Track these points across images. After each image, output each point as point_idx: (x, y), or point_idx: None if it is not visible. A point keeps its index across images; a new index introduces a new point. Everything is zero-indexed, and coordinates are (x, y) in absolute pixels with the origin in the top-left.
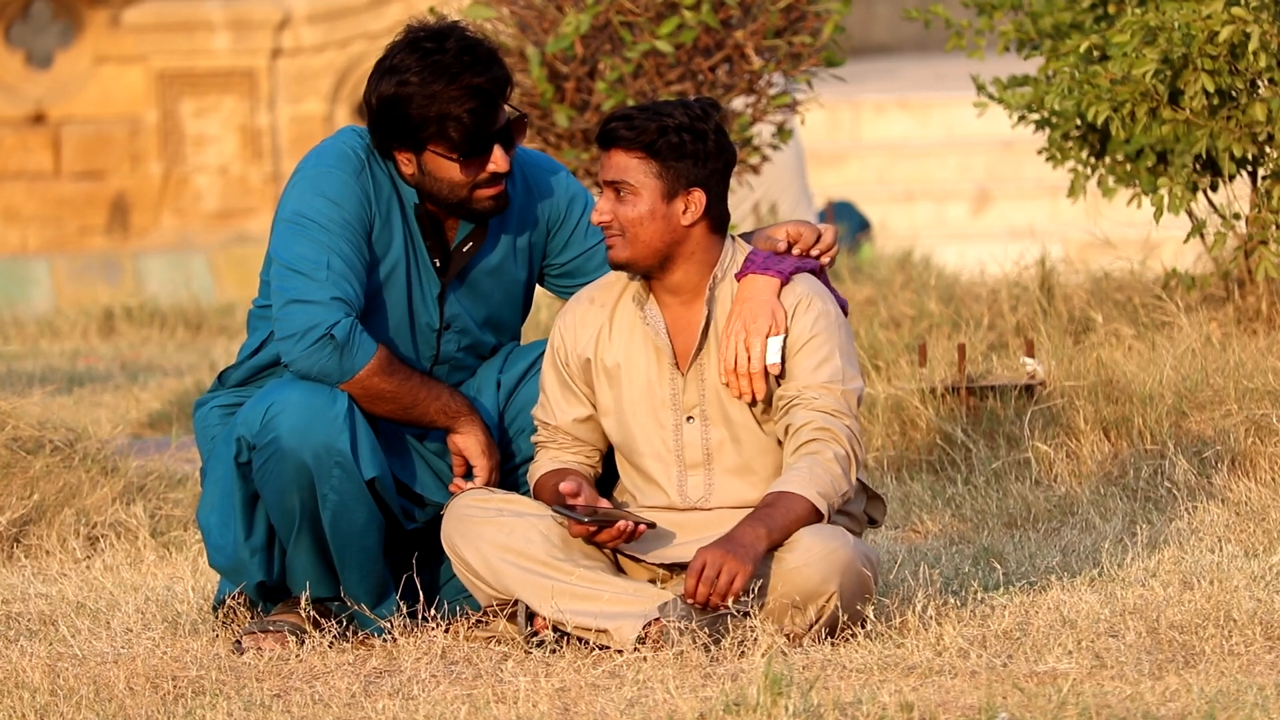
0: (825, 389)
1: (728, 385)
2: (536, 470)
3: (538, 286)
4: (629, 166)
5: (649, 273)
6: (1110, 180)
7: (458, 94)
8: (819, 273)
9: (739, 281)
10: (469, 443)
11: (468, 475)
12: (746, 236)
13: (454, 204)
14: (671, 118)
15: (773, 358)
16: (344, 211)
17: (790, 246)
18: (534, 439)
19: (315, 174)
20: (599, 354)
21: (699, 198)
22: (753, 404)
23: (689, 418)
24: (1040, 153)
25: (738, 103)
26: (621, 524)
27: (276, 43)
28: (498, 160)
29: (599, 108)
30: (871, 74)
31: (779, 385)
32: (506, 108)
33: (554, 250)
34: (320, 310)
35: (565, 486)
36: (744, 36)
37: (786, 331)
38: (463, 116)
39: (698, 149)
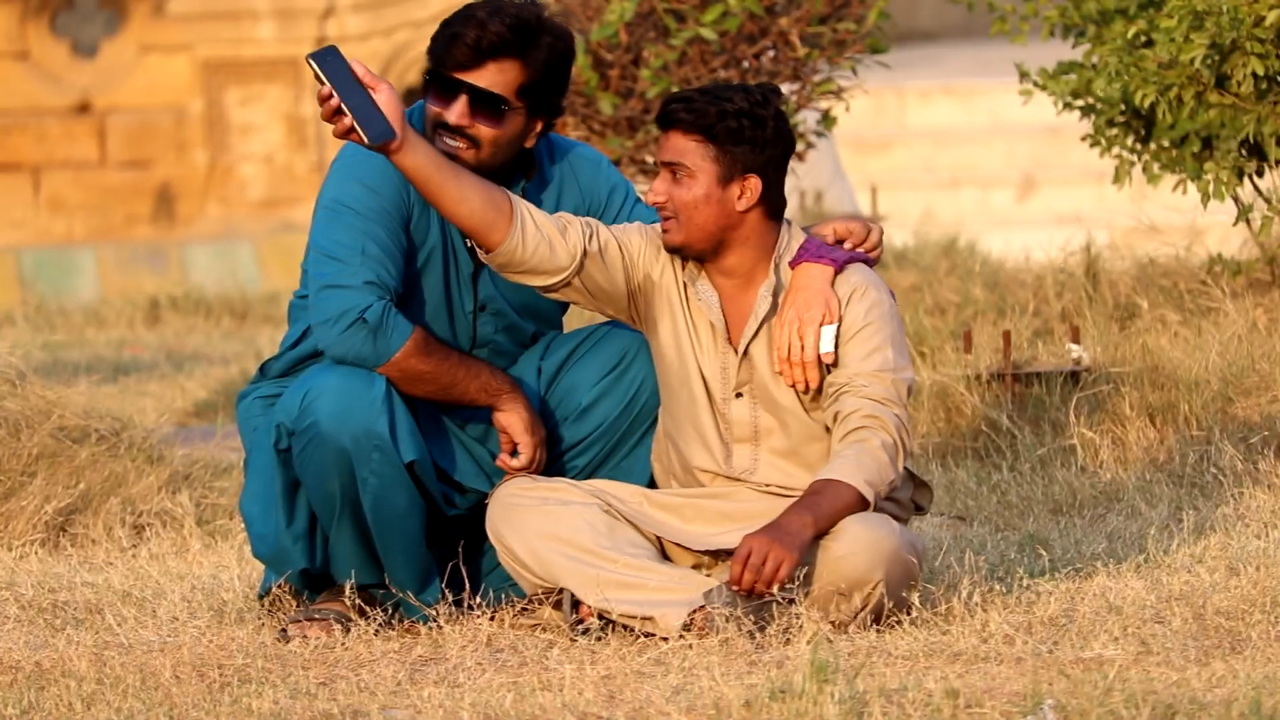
0: (875, 377)
1: (781, 373)
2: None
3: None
4: (686, 149)
5: (703, 256)
6: (1155, 166)
7: (454, 19)
8: (868, 265)
9: (793, 270)
10: (512, 420)
11: (513, 454)
12: None
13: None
14: (731, 102)
15: (826, 346)
16: (381, 199)
17: (840, 243)
18: None
19: (354, 162)
20: (660, 282)
21: (755, 184)
22: (805, 391)
23: (738, 393)
24: (1085, 139)
25: (782, 89)
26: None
27: (321, 31)
28: (454, 109)
29: (643, 95)
30: (916, 60)
31: (830, 374)
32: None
33: None
34: (354, 294)
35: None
36: (788, 23)
37: (840, 320)
38: (440, 38)
39: (756, 134)
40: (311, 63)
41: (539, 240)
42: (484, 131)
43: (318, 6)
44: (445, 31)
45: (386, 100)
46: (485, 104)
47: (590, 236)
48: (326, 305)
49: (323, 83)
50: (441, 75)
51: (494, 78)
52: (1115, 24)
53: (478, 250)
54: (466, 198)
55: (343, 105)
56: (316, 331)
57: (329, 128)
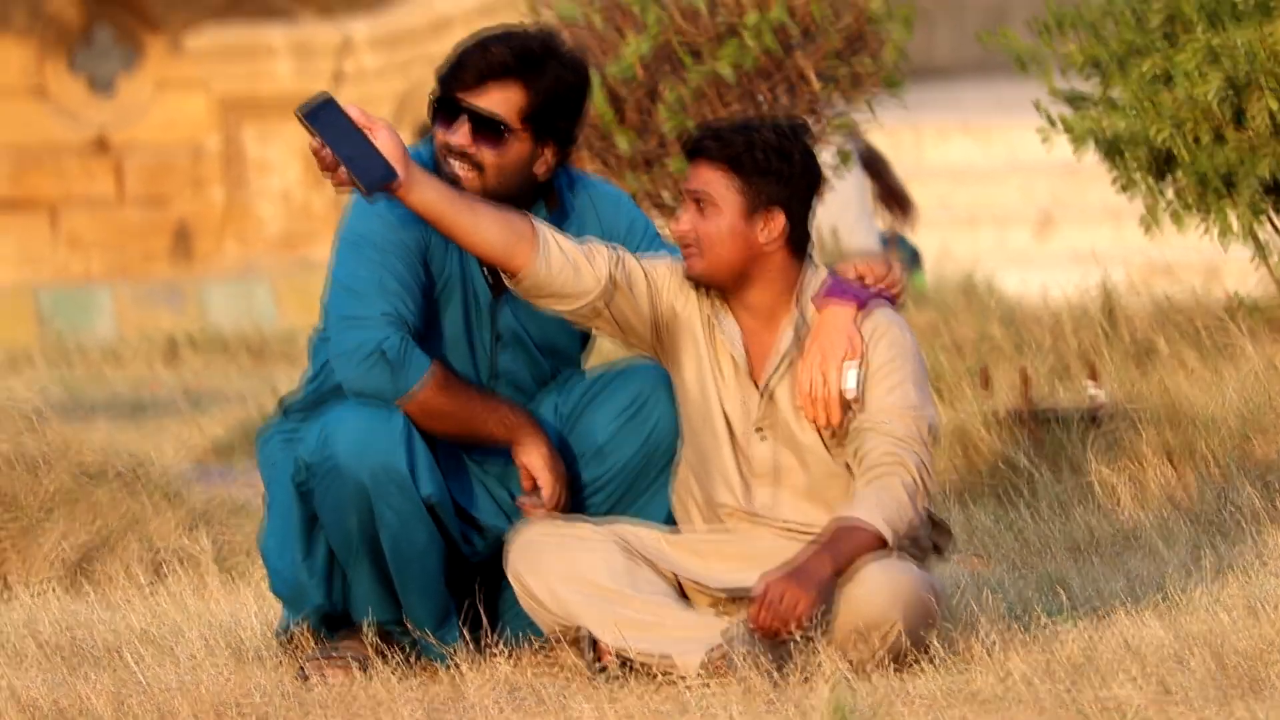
0: (898, 418)
1: (803, 411)
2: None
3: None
4: (712, 179)
5: (724, 288)
6: (1179, 208)
7: (464, 44)
8: (892, 304)
9: (816, 309)
10: (533, 457)
11: (534, 492)
12: None
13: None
14: (759, 134)
15: (849, 385)
16: (400, 234)
17: (862, 281)
18: None
19: None
20: (685, 316)
21: (779, 219)
22: (827, 430)
23: (758, 430)
24: (1114, 184)
25: (810, 125)
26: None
27: (338, 67)
28: (456, 132)
29: (660, 132)
30: (933, 98)
31: (854, 412)
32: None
33: None
34: (372, 328)
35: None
36: (804, 60)
37: (863, 358)
38: (449, 60)
39: (782, 168)
40: (301, 117)
41: (563, 264)
42: (487, 155)
43: (334, 43)
44: (452, 56)
45: (385, 141)
46: (487, 127)
47: (617, 264)
48: (345, 339)
49: (314, 135)
50: (445, 98)
51: (495, 101)
52: (1135, 62)
53: (503, 277)
54: (483, 227)
55: (336, 156)
56: (335, 365)
57: None
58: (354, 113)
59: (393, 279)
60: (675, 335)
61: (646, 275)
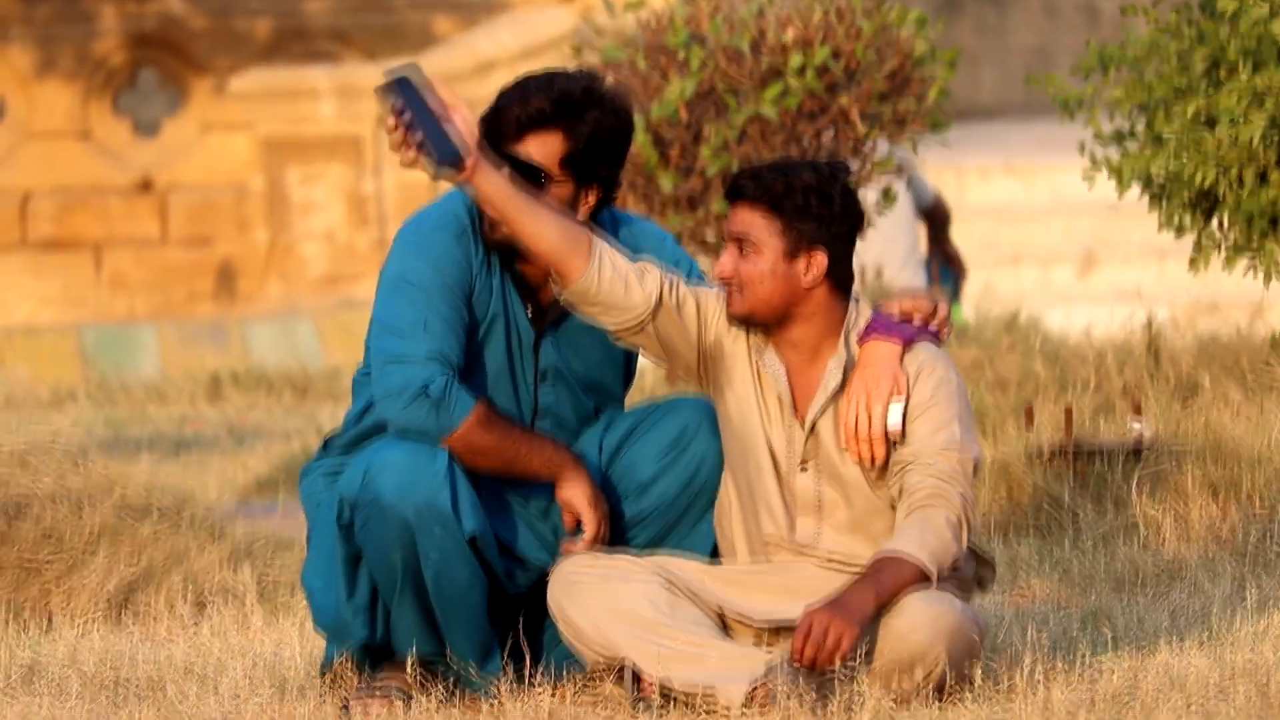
0: (942, 454)
1: (847, 448)
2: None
3: (640, 354)
4: (753, 222)
5: (767, 328)
6: (1227, 249)
7: (500, 95)
8: (936, 342)
9: (860, 346)
10: (575, 495)
11: (577, 530)
12: None
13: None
14: (799, 177)
15: (894, 422)
16: (443, 274)
17: (907, 319)
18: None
19: (416, 237)
20: (724, 350)
21: (821, 259)
22: (871, 467)
23: (802, 464)
24: (1163, 228)
25: (851, 165)
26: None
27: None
28: None
29: (703, 173)
30: (976, 138)
31: (897, 450)
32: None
33: None
34: (417, 368)
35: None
36: (848, 101)
37: (908, 396)
38: (488, 111)
39: (823, 210)
40: (382, 86)
41: (614, 278)
42: None
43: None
44: (493, 103)
45: (460, 124)
46: (525, 175)
47: (670, 287)
48: (389, 379)
49: (391, 105)
50: (485, 146)
51: (535, 149)
52: (1178, 104)
53: (551, 282)
54: (542, 227)
55: (414, 123)
56: (379, 405)
57: (390, 205)
58: (431, 95)
59: (436, 318)
60: (721, 366)
61: (698, 303)
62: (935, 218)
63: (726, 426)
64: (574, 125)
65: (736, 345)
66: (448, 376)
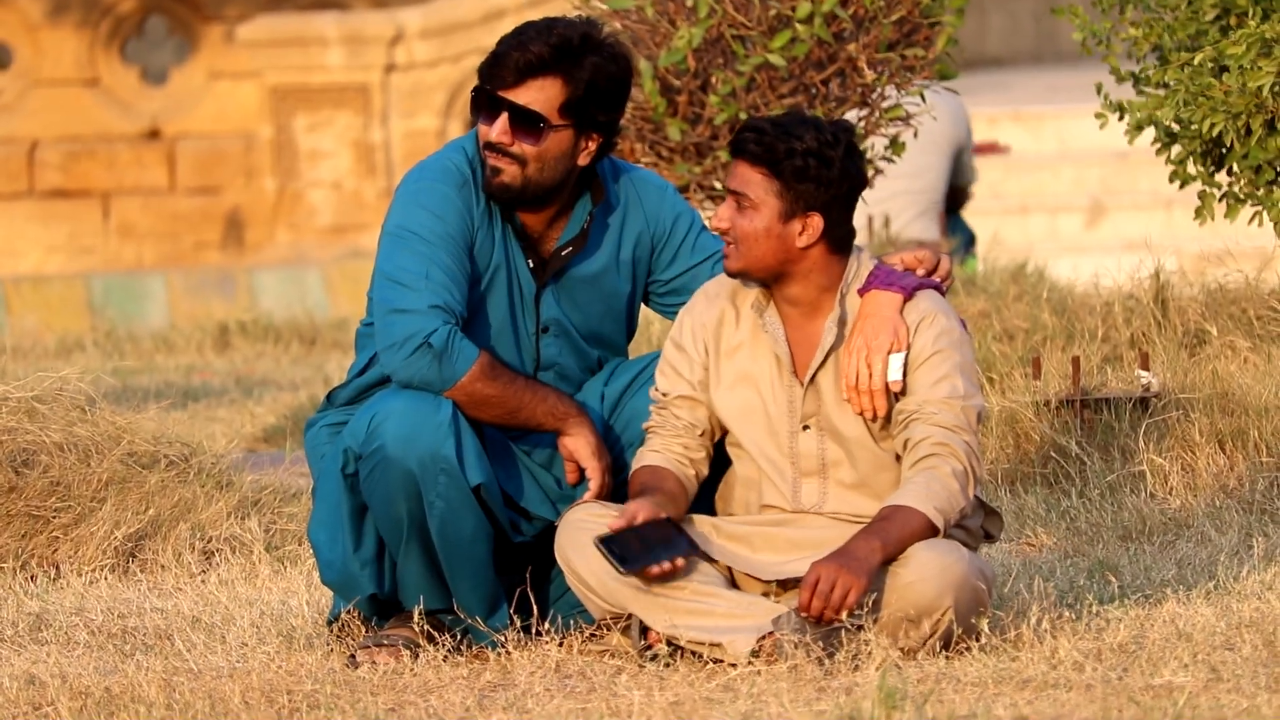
0: (945, 405)
1: (848, 401)
2: (638, 460)
3: (643, 306)
4: (751, 180)
5: (764, 283)
6: (1232, 198)
7: (500, 41)
8: (939, 293)
9: (861, 297)
10: (579, 445)
11: (580, 483)
12: None
13: (486, 176)
14: (801, 140)
15: (894, 374)
16: (445, 224)
17: (909, 271)
18: (645, 425)
19: (417, 188)
20: (722, 341)
21: (816, 221)
22: (873, 420)
23: (805, 426)
24: (1172, 180)
25: (850, 116)
26: (656, 569)
27: (390, 58)
28: (495, 127)
29: (711, 121)
30: (984, 86)
31: (899, 401)
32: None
33: (659, 266)
34: (419, 319)
35: (614, 524)
36: (856, 49)
37: (909, 348)
38: (487, 57)
39: (821, 174)
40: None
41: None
42: (526, 149)
43: (386, 33)
44: (493, 51)
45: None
46: (525, 121)
47: (702, 434)
48: (392, 330)
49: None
50: (485, 93)
51: (534, 95)
52: (1187, 53)
53: None
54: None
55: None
56: (382, 357)
57: (397, 154)
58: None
59: (439, 270)
60: (718, 358)
61: (706, 411)
62: (959, 196)
63: (726, 398)
64: (572, 71)
65: (724, 344)
66: (450, 327)
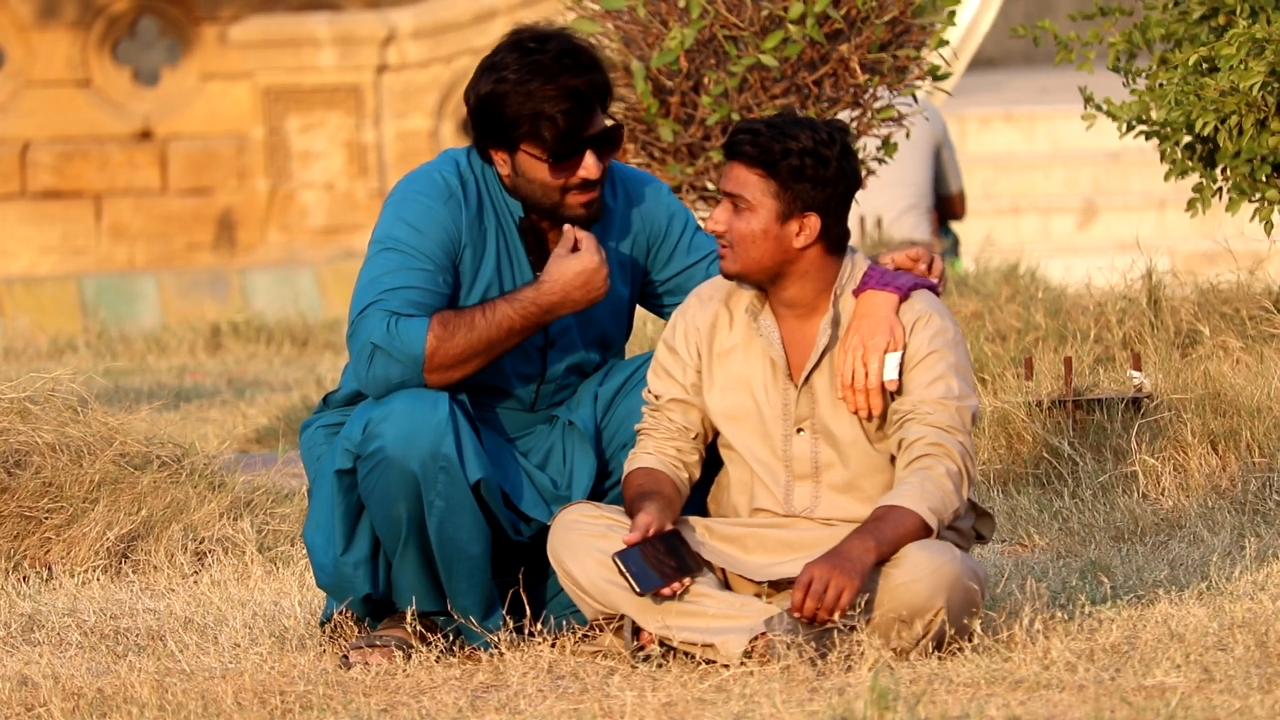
0: (940, 405)
1: (844, 400)
2: (631, 462)
3: (638, 306)
4: (747, 182)
5: (760, 286)
6: (1235, 191)
7: (553, 93)
8: (933, 292)
9: (857, 297)
10: (564, 251)
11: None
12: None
13: (547, 208)
14: (796, 140)
15: (890, 374)
16: (424, 237)
17: (903, 271)
18: (638, 427)
19: (401, 200)
20: (715, 344)
21: (814, 222)
22: (868, 419)
23: (799, 429)
24: (1168, 177)
25: (842, 116)
26: (668, 590)
27: (382, 59)
28: (589, 166)
29: (703, 122)
30: (977, 87)
31: (894, 401)
32: (605, 119)
33: (655, 267)
34: (364, 327)
35: (629, 538)
36: (849, 50)
37: (904, 347)
38: (556, 116)
39: (818, 174)
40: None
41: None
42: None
43: (379, 34)
44: (554, 109)
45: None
46: (605, 143)
47: (695, 436)
48: (352, 346)
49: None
50: (572, 145)
51: (600, 117)
52: (1177, 53)
53: None
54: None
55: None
56: (355, 378)
57: (389, 154)
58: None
59: (411, 284)
60: (711, 360)
61: (699, 412)
62: (950, 206)
63: (719, 401)
64: (606, 88)
65: (717, 347)
66: (386, 319)
